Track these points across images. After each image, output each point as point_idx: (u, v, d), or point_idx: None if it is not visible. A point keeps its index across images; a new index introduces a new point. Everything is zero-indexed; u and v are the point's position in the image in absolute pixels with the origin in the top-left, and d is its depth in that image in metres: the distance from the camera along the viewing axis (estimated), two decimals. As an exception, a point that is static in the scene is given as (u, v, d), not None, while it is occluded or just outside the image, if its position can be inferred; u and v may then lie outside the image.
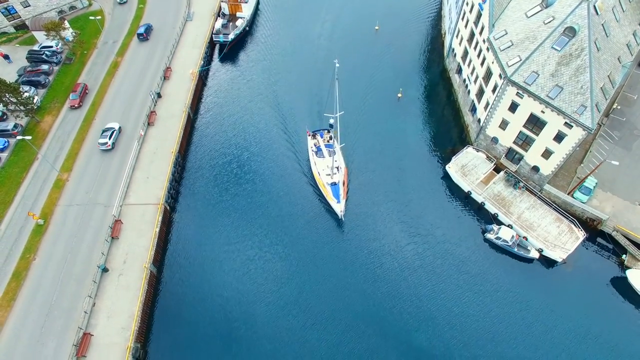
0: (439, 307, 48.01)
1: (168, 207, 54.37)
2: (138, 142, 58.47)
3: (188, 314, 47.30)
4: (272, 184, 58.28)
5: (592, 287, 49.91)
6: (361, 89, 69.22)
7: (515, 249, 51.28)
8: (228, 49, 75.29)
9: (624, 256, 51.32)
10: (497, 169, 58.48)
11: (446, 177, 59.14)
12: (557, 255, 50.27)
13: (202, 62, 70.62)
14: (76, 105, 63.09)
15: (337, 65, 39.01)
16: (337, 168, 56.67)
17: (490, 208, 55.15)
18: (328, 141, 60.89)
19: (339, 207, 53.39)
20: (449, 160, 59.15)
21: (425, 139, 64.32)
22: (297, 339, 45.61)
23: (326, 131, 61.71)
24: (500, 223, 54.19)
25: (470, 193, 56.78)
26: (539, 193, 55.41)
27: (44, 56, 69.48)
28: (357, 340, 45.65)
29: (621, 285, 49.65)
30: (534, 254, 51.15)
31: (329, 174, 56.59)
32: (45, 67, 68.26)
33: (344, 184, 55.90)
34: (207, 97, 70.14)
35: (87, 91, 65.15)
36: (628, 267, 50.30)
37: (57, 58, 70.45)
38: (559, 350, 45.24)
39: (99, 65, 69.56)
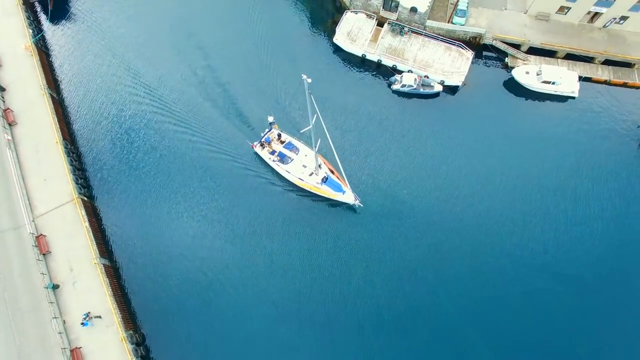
0: (363, 162, 52.05)
1: (86, 198, 49.84)
2: (9, 149, 50.55)
3: (161, 283, 46.89)
4: (178, 137, 54.69)
5: (490, 95, 56.87)
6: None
7: (422, 90, 55.06)
8: (52, 5, 62.89)
9: (506, 59, 57.51)
10: (381, 24, 59.38)
11: (337, 49, 59.25)
12: (457, 80, 55.01)
13: (32, 31, 59.05)
14: None
15: (309, 80, 35.57)
16: (319, 166, 49.60)
17: (387, 62, 57.29)
18: (280, 140, 51.91)
19: (349, 198, 48.18)
20: (333, 32, 58.71)
21: (304, 21, 62.47)
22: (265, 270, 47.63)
23: (269, 132, 52.07)
24: (400, 72, 56.94)
25: (365, 55, 57.95)
26: (424, 31, 57.98)
27: None
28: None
29: (511, 84, 56.82)
30: (438, 88, 55.41)
31: (312, 173, 49.86)
32: None
33: (333, 172, 49.71)
34: (62, 67, 59.55)
35: None
36: (512, 67, 56.82)
37: None
38: (475, 158, 52.35)
39: None
